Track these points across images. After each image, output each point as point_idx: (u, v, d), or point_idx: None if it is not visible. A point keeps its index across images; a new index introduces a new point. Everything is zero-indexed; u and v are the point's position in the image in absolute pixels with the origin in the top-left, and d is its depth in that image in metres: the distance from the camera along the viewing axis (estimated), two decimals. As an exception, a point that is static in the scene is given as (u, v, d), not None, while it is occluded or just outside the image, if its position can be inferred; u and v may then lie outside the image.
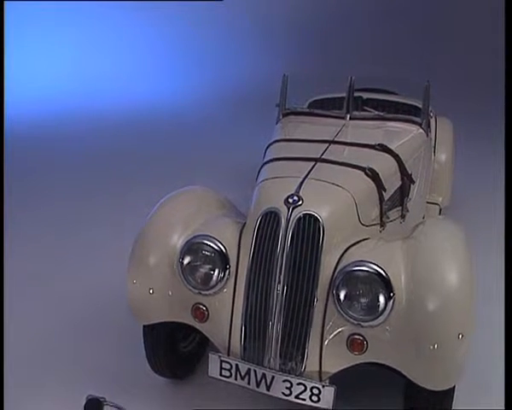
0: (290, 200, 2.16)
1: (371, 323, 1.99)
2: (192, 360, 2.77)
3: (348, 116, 3.38)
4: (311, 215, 2.12)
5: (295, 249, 2.11)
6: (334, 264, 2.10)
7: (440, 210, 4.23)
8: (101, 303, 3.37)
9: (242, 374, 2.12)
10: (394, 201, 2.81)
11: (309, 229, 2.12)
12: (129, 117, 7.90)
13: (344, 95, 3.46)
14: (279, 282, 2.10)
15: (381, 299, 1.98)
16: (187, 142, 6.83)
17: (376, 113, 3.53)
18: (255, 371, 2.09)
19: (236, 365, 2.12)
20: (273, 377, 2.07)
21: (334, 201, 2.26)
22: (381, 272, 1.99)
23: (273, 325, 2.09)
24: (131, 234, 2.46)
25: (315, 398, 2.05)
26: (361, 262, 2.02)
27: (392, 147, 2.91)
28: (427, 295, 1.98)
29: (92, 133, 7.20)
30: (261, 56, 9.45)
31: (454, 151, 4.45)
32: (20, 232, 4.29)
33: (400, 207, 2.91)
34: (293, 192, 2.20)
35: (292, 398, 2.07)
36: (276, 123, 3.63)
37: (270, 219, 2.16)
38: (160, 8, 9.72)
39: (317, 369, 2.07)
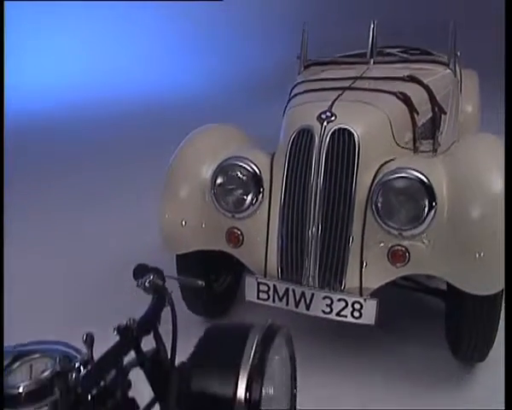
0: (323, 116, 2.10)
1: (413, 232, 1.93)
2: (224, 302, 2.72)
3: (372, 61, 3.31)
4: (345, 129, 2.06)
5: (330, 166, 2.05)
6: (372, 177, 2.04)
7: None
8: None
9: (280, 295, 2.06)
10: (426, 131, 2.74)
11: (343, 144, 2.06)
12: (137, 108, 7.72)
13: (360, 51, 3.40)
14: (315, 198, 2.05)
15: (423, 206, 1.91)
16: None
17: (401, 55, 3.46)
18: (294, 290, 2.04)
19: (274, 285, 2.07)
20: (312, 295, 2.02)
21: (367, 117, 2.20)
22: (423, 177, 1.93)
23: (311, 242, 2.04)
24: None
25: (356, 314, 1.99)
26: (400, 169, 1.95)
27: (422, 80, 2.83)
28: (470, 203, 1.91)
29: (101, 123, 7.07)
30: (267, 46, 9.37)
31: (479, 102, 4.34)
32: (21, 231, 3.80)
33: (432, 141, 2.83)
34: (325, 109, 2.14)
35: (332, 316, 2.01)
36: (298, 74, 3.58)
37: (303, 136, 2.11)
38: (162, 7, 9.71)
39: (358, 285, 2.01)
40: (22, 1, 8.81)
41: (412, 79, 2.79)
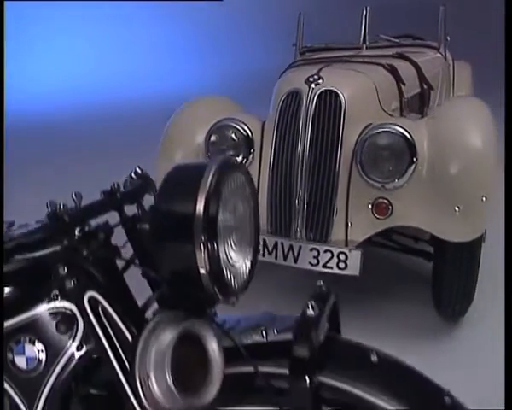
0: (311, 79, 2.21)
1: (394, 184, 2.02)
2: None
3: (364, 46, 3.42)
4: (331, 91, 2.16)
5: (317, 126, 2.15)
6: (357, 135, 2.13)
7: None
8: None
9: (270, 249, 2.15)
10: (414, 105, 2.84)
11: (330, 105, 2.15)
12: (139, 108, 7.82)
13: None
14: (303, 157, 2.14)
15: (405, 160, 2.01)
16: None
17: (393, 40, 3.57)
18: (282, 243, 2.12)
19: (264, 240, 2.16)
20: (300, 248, 2.10)
21: (354, 81, 2.30)
22: (405, 133, 2.02)
23: (299, 198, 2.13)
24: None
25: (342, 265, 2.07)
26: (384, 125, 2.05)
27: (411, 57, 2.94)
28: (450, 159, 2.00)
29: (102, 125, 7.13)
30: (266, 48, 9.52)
31: (472, 91, 4.44)
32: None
33: (420, 116, 2.93)
34: (313, 73, 2.24)
35: (319, 267, 2.09)
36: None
37: (291, 98, 2.21)
38: (162, 7, 9.87)
39: (344, 238, 2.10)
40: (23, 1, 8.93)
41: (401, 55, 2.90)
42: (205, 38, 9.92)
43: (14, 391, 0.83)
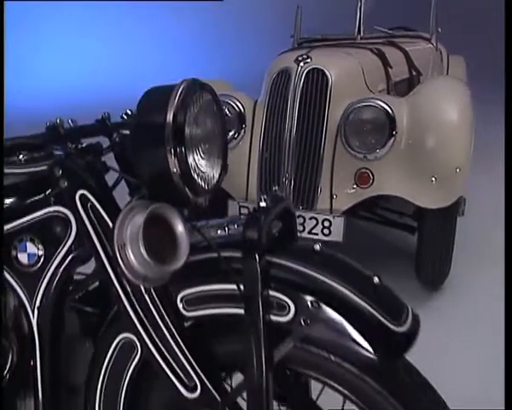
0: (300, 58, 2.35)
1: (376, 155, 2.15)
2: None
3: (359, 36, 3.56)
4: (319, 69, 2.30)
5: (305, 102, 2.29)
6: (342, 111, 2.26)
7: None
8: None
9: (259, 216, 2.29)
10: (402, 90, 2.96)
11: (317, 82, 2.29)
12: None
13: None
14: (291, 130, 2.28)
15: (385, 132, 2.14)
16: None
17: (387, 32, 3.70)
18: (270, 210, 2.26)
19: (254, 207, 2.29)
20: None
21: (340, 61, 2.44)
22: (387, 108, 2.16)
23: (287, 168, 2.27)
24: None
25: (326, 231, 2.20)
26: (367, 99, 2.19)
27: (401, 45, 3.08)
28: (427, 133, 2.13)
29: None
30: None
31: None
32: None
33: (407, 98, 3.06)
34: (303, 53, 2.39)
35: (305, 234, 2.23)
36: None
37: (281, 76, 2.36)
38: (162, 7, 10.01)
39: (329, 206, 2.24)
40: (23, 1, 9.09)
41: (391, 43, 3.04)
42: (208, 37, 10.08)
43: (17, 284, 0.98)
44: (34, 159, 0.96)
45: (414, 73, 3.06)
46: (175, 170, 0.85)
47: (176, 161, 0.85)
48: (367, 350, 0.79)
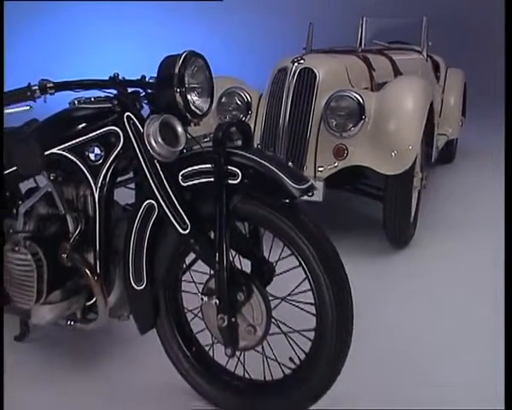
0: (295, 59, 3.00)
1: (349, 133, 2.77)
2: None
3: (360, 49, 4.20)
4: (309, 68, 2.95)
5: (297, 94, 2.93)
6: (326, 100, 2.89)
7: (453, 140, 4.95)
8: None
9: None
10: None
11: (307, 78, 2.94)
12: None
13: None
14: (284, 116, 2.93)
15: (356, 116, 2.77)
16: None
17: (384, 44, 4.33)
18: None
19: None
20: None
21: (328, 63, 3.08)
22: (359, 98, 2.79)
23: (281, 144, 2.91)
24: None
25: (309, 193, 2.82)
26: (345, 91, 2.82)
27: (389, 54, 3.70)
28: (388, 119, 2.75)
29: None
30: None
31: (461, 94, 5.09)
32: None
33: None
34: (298, 56, 3.04)
35: (294, 195, 2.85)
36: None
37: (280, 73, 3.01)
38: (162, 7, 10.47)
39: (313, 174, 2.86)
40: (24, 1, 9.60)
41: (379, 52, 3.67)
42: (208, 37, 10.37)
43: (88, 172, 1.65)
44: (99, 100, 1.64)
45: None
46: (180, 102, 1.52)
47: (180, 97, 1.52)
48: (283, 199, 1.43)
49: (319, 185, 2.80)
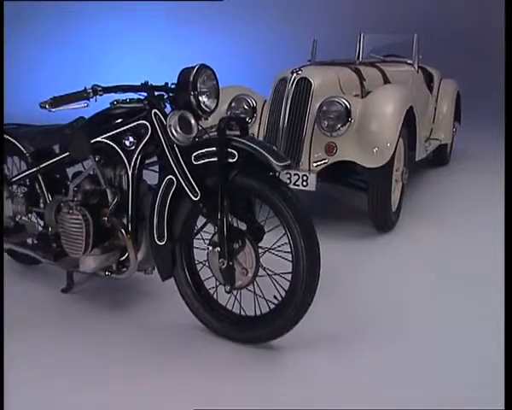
0: (294, 70, 3.53)
1: (338, 132, 3.28)
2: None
3: (358, 61, 4.70)
4: (305, 78, 3.47)
5: (295, 100, 3.45)
6: (318, 105, 3.40)
7: (446, 145, 5.41)
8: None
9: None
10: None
11: (303, 86, 3.46)
12: None
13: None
14: (284, 119, 3.44)
15: (344, 119, 3.28)
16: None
17: (379, 58, 4.83)
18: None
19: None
20: (279, 174, 3.38)
21: (322, 73, 3.60)
22: (346, 103, 3.29)
23: (281, 142, 3.42)
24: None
25: (305, 183, 3.33)
26: (335, 97, 3.33)
27: (379, 66, 4.20)
28: (370, 121, 3.26)
29: None
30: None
31: (453, 103, 5.54)
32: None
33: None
34: (297, 68, 3.56)
35: (291, 185, 3.35)
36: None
37: (281, 83, 3.54)
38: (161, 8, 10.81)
39: (307, 167, 3.36)
40: (24, 1, 9.94)
41: (371, 64, 4.17)
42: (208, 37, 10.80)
43: (125, 156, 2.18)
44: (132, 101, 2.18)
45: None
46: (194, 102, 2.04)
47: (193, 98, 2.04)
48: (268, 172, 1.94)
49: (312, 177, 3.31)
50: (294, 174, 3.35)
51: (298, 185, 3.35)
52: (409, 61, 4.75)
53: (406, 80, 4.52)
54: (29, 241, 2.76)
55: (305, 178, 3.33)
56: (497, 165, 4.81)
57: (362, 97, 3.86)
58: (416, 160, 4.05)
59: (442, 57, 8.77)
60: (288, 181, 3.36)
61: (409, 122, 3.60)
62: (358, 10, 10.04)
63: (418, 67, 4.81)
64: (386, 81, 4.16)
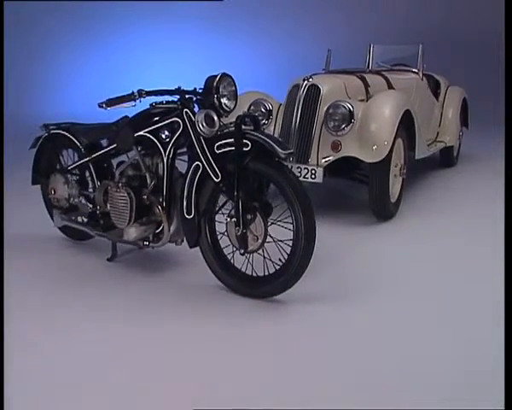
0: (305, 78, 4.04)
1: (342, 132, 3.78)
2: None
3: (368, 70, 5.19)
4: (315, 85, 3.98)
5: (305, 104, 3.96)
6: (326, 109, 3.90)
7: (453, 148, 5.83)
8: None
9: (276, 168, 3.96)
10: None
11: (313, 92, 3.96)
12: None
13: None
14: (295, 121, 3.96)
15: (347, 120, 3.78)
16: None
17: (387, 66, 5.30)
18: (283, 165, 3.93)
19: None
20: (291, 167, 3.89)
21: (330, 81, 4.10)
22: (350, 107, 3.79)
23: (293, 140, 3.93)
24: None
25: (313, 176, 3.83)
26: (340, 101, 3.84)
27: (384, 74, 4.68)
28: (370, 122, 3.74)
29: None
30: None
31: (459, 109, 5.95)
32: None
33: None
34: (308, 75, 4.07)
35: (301, 178, 3.85)
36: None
37: (294, 89, 4.05)
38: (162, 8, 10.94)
39: (316, 162, 3.86)
40: (24, 1, 10.03)
41: (377, 72, 4.66)
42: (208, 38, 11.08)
43: (161, 147, 2.72)
44: (168, 102, 2.72)
45: (392, 92, 4.62)
46: (216, 103, 2.58)
47: (216, 100, 2.58)
48: (275, 158, 2.46)
49: (320, 171, 3.80)
50: (304, 168, 3.85)
51: (307, 178, 3.85)
52: (414, 70, 5.21)
53: (409, 87, 4.97)
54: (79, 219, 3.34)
55: (313, 171, 3.83)
56: (501, 168, 5.22)
57: (366, 101, 4.35)
58: (416, 158, 4.50)
59: (457, 65, 9.25)
60: (299, 174, 3.86)
61: (408, 124, 4.07)
62: (374, 22, 10.50)
63: (423, 74, 5.26)
64: (390, 87, 4.63)
